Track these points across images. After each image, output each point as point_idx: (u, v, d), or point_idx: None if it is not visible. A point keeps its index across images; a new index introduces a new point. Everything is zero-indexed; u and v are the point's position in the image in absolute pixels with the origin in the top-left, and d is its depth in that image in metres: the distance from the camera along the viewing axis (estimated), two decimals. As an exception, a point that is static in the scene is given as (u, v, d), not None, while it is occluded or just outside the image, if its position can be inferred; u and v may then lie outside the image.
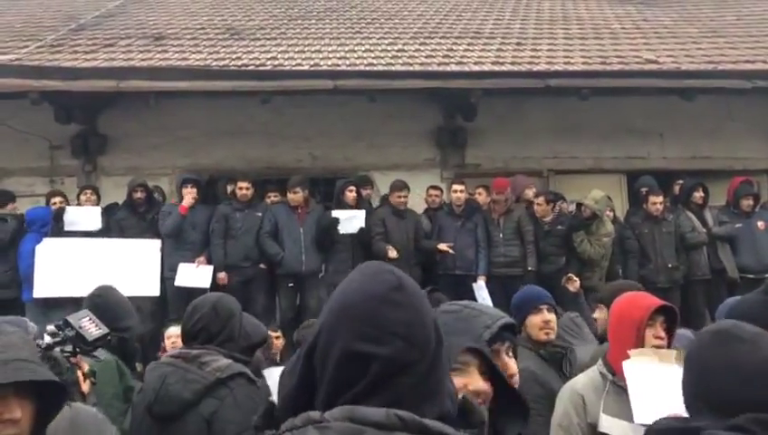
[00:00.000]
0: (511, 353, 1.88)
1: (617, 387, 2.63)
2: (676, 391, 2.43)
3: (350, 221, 7.03)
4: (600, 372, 2.74)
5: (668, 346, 2.65)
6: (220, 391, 2.65)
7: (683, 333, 4.31)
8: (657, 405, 2.44)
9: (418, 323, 1.20)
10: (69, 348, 2.53)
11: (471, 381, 1.61)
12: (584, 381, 2.76)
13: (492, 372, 1.63)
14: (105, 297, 3.43)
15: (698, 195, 7.89)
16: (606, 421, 2.58)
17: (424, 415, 1.15)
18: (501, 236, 7.35)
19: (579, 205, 7.49)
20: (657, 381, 2.48)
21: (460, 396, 1.40)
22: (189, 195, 7.00)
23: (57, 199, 7.31)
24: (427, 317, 1.23)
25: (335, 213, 7.06)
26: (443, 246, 7.10)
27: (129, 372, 3.42)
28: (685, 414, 2.38)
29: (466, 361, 1.63)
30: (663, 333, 2.64)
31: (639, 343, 2.61)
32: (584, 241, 7.17)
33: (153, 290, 6.86)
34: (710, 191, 8.04)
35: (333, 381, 1.17)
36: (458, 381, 1.57)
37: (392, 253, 6.93)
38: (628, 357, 2.58)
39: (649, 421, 2.26)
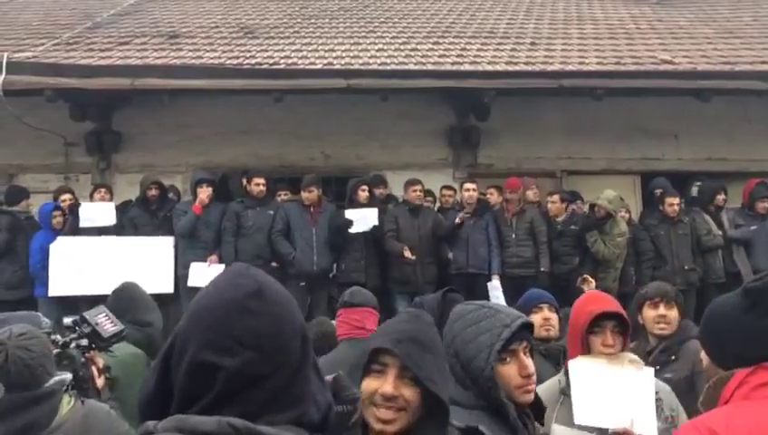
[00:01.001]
0: (528, 353, 1.89)
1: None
2: (622, 393, 2.43)
3: (363, 220, 7.02)
4: (559, 380, 2.69)
5: (622, 351, 2.56)
6: None
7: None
8: (598, 407, 2.41)
9: (273, 334, 1.12)
10: (85, 343, 2.54)
11: (382, 385, 1.54)
12: (543, 389, 2.61)
13: (416, 377, 1.52)
14: (129, 292, 3.45)
15: (721, 197, 7.83)
16: (557, 431, 2.47)
17: (273, 422, 1.09)
18: (513, 236, 7.32)
19: (592, 205, 7.45)
20: (601, 382, 2.44)
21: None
22: (203, 193, 7.00)
23: (66, 196, 7.35)
24: (287, 327, 1.15)
25: (347, 213, 7.05)
26: (407, 253, 6.92)
27: None
28: (626, 419, 2.41)
29: (385, 362, 1.56)
30: (612, 340, 2.53)
31: (586, 349, 2.54)
32: (598, 241, 7.12)
33: (167, 287, 6.89)
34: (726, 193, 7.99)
35: (183, 391, 1.11)
36: (371, 383, 1.54)
37: (407, 253, 6.91)
38: None
39: (590, 423, 2.25)
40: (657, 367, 3.40)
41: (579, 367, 2.18)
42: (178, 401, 1.11)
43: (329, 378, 1.81)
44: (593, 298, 2.66)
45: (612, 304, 2.60)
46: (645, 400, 2.47)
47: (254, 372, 1.10)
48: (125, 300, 3.29)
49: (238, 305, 1.12)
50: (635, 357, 2.61)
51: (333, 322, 4.38)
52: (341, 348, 3.56)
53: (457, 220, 7.08)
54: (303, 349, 1.17)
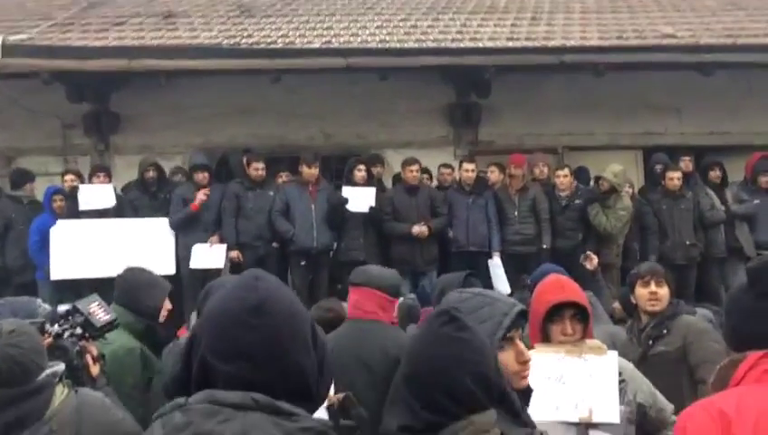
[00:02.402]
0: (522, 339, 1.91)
1: None
2: (580, 383, 2.42)
3: (360, 199, 7.00)
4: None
5: (583, 338, 2.54)
6: None
7: (701, 311, 4.28)
8: (555, 400, 2.41)
9: (268, 347, 1.25)
10: (79, 332, 2.53)
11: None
12: None
13: None
14: (128, 279, 3.34)
15: (714, 174, 7.79)
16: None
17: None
18: (516, 213, 7.29)
19: (597, 178, 7.41)
20: (559, 374, 2.44)
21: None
22: (202, 192, 6.98)
23: (69, 178, 7.34)
24: (285, 340, 1.28)
25: (344, 191, 7.03)
26: (416, 229, 6.94)
27: (157, 359, 3.29)
28: (576, 413, 2.41)
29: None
30: (571, 329, 2.52)
31: (546, 337, 2.52)
32: (599, 213, 7.09)
33: (169, 268, 6.88)
34: (729, 168, 7.93)
35: (197, 377, 1.28)
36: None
37: (416, 229, 6.89)
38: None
39: (548, 419, 2.24)
40: (651, 341, 3.57)
41: (536, 361, 2.15)
42: (196, 387, 1.27)
43: (340, 396, 1.85)
44: (552, 286, 2.62)
45: (571, 293, 2.56)
46: (607, 385, 2.47)
47: (248, 378, 1.24)
48: (124, 289, 3.25)
49: (238, 319, 1.27)
50: (596, 343, 2.58)
51: (329, 305, 4.40)
52: (340, 329, 3.55)
53: (414, 230, 6.99)
54: (310, 356, 1.30)
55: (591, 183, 7.72)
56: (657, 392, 2.69)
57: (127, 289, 3.29)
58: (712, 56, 7.73)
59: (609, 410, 2.45)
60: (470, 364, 1.51)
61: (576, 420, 2.43)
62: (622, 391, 2.51)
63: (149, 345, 3.26)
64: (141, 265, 3.56)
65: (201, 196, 6.97)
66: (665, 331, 3.55)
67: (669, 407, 2.69)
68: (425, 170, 7.63)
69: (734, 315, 1.84)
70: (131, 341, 3.10)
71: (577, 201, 7.30)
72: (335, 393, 2.12)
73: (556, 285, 2.62)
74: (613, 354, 2.57)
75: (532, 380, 2.03)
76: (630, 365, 2.71)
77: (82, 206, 7.04)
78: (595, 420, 2.44)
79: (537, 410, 2.07)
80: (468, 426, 1.48)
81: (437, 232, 7.12)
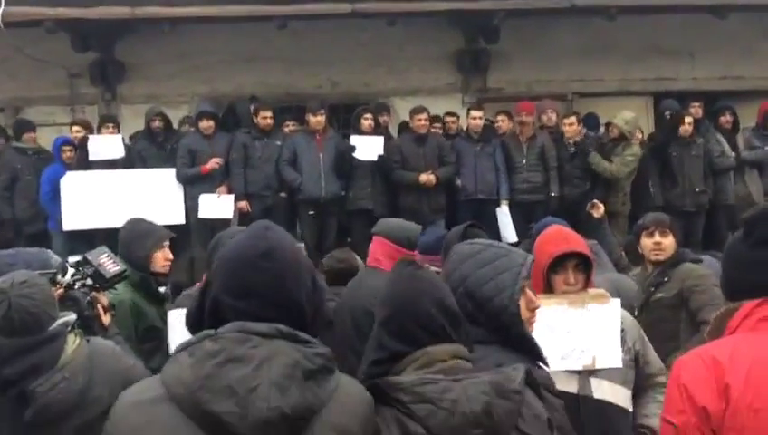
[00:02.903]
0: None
1: None
2: (581, 334, 2.46)
3: (368, 147, 6.98)
4: None
5: (585, 288, 2.57)
6: None
7: (707, 258, 4.31)
8: (557, 352, 2.44)
9: (276, 287, 1.43)
10: (89, 282, 2.59)
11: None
12: None
13: None
14: (125, 232, 3.37)
15: (725, 119, 7.68)
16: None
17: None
18: (524, 162, 7.24)
19: (607, 125, 7.35)
20: (561, 325, 2.46)
21: None
22: (214, 161, 6.93)
23: (77, 128, 7.35)
24: (290, 283, 1.45)
25: (352, 139, 7.01)
26: (424, 177, 6.93)
27: (155, 310, 3.28)
28: (579, 361, 2.47)
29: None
30: (573, 279, 2.54)
31: (549, 288, 2.55)
32: (601, 161, 7.02)
33: (178, 218, 6.95)
34: (741, 113, 7.82)
35: (210, 317, 1.45)
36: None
37: (423, 177, 6.89)
38: None
39: (553, 368, 2.28)
40: (653, 288, 3.67)
41: (540, 312, 2.18)
42: (209, 323, 1.43)
43: None
44: (555, 237, 2.63)
45: (574, 243, 2.58)
46: (610, 332, 2.52)
47: (257, 314, 1.40)
48: (121, 240, 3.27)
49: (249, 262, 1.44)
50: (599, 291, 2.60)
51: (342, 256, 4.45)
52: (357, 276, 3.65)
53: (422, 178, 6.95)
54: (309, 299, 1.47)
55: (602, 130, 7.64)
56: (650, 345, 2.74)
57: (122, 240, 3.31)
58: (726, -2, 7.57)
59: (612, 356, 2.50)
60: (432, 295, 1.66)
61: (580, 368, 2.48)
62: (622, 339, 2.55)
63: (146, 296, 3.27)
64: (144, 216, 3.56)
65: (214, 163, 6.94)
66: (666, 278, 3.65)
67: (657, 364, 2.73)
68: (436, 119, 7.57)
69: (730, 265, 1.86)
70: (126, 292, 3.10)
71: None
72: None
73: (559, 236, 2.64)
74: (616, 302, 2.60)
75: (537, 331, 2.08)
76: (628, 315, 2.75)
77: (92, 156, 7.05)
78: (598, 366, 2.49)
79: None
80: (423, 356, 1.59)
81: (445, 181, 7.11)
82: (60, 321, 2.11)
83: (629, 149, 7.08)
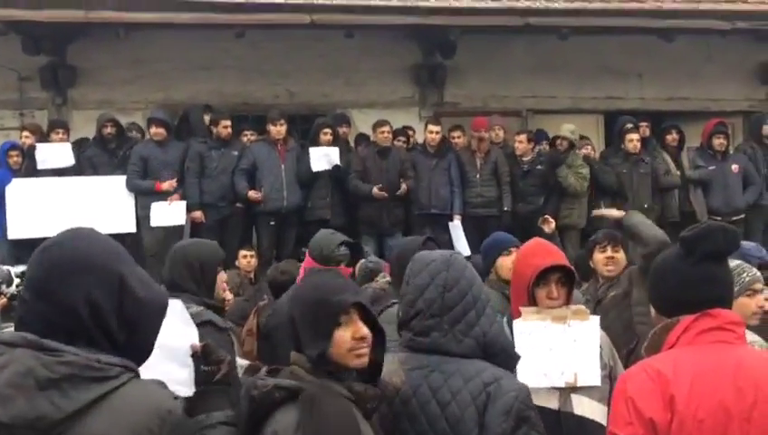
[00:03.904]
0: None
1: None
2: (563, 351, 2.51)
3: (325, 158, 6.99)
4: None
5: (567, 302, 2.61)
6: None
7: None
8: (540, 368, 2.48)
9: (44, 283, 1.41)
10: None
11: (357, 330, 1.75)
12: None
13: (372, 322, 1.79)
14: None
15: (671, 137, 7.94)
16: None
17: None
18: (478, 176, 7.36)
19: (554, 138, 7.60)
20: (544, 342, 2.50)
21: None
22: (169, 184, 6.83)
23: (25, 134, 7.15)
24: (55, 282, 1.40)
25: (310, 151, 7.01)
26: (376, 192, 6.96)
27: None
28: (562, 378, 2.50)
29: (350, 313, 1.76)
30: (557, 292, 2.58)
31: (532, 301, 2.58)
32: (569, 175, 7.25)
33: (129, 226, 6.83)
34: (687, 133, 8.08)
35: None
36: (345, 332, 1.74)
37: (375, 191, 6.94)
38: (520, 315, 2.58)
39: (536, 385, 2.32)
40: (604, 296, 3.75)
41: (524, 328, 2.20)
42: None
43: (197, 344, 1.97)
44: (538, 250, 2.67)
45: (558, 257, 2.64)
46: (590, 350, 2.56)
47: (32, 309, 1.40)
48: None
49: (35, 254, 1.46)
50: (580, 308, 2.66)
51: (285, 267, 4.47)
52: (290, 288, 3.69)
53: (374, 192, 7.02)
54: (91, 300, 1.39)
55: (546, 146, 7.81)
56: (619, 360, 2.80)
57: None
58: (673, 22, 7.84)
59: (592, 374, 2.54)
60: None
61: (563, 385, 2.51)
62: (600, 356, 2.59)
63: None
64: (94, 225, 3.42)
65: (169, 186, 6.84)
66: (616, 282, 3.77)
67: None
68: (399, 132, 7.63)
69: (669, 282, 1.90)
70: None
71: (539, 167, 7.40)
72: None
73: (543, 249, 2.67)
74: (595, 319, 2.64)
75: (520, 346, 2.11)
76: (605, 335, 2.79)
77: (40, 165, 6.88)
78: (580, 383, 2.52)
79: (526, 378, 2.14)
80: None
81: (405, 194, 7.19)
82: (3, 331, 2.06)
83: (578, 159, 7.35)
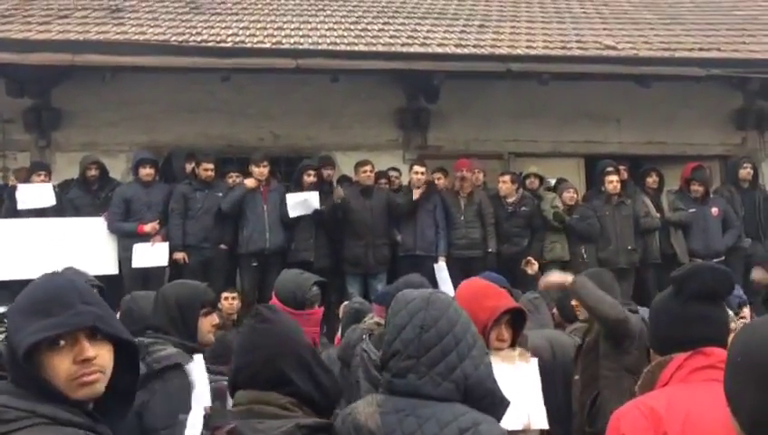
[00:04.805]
0: None
1: None
2: (518, 391, 2.48)
3: (304, 203, 7.02)
4: None
5: (514, 343, 2.60)
6: (153, 384, 2.59)
7: (642, 310, 4.44)
8: None
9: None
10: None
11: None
12: None
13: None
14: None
15: (651, 180, 8.08)
16: None
17: None
18: (462, 218, 7.41)
19: (524, 178, 7.83)
20: (500, 384, 2.51)
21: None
22: (151, 226, 6.84)
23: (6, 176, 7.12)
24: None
25: (288, 197, 7.04)
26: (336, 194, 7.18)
27: None
28: (519, 421, 2.48)
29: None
30: (507, 334, 2.57)
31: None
32: (548, 208, 7.40)
33: (110, 268, 6.76)
34: (665, 176, 8.23)
35: None
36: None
37: (339, 192, 7.12)
38: None
39: None
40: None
41: None
42: None
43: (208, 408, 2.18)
44: (490, 292, 2.62)
45: (509, 298, 2.64)
46: (535, 392, 2.57)
47: None
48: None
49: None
50: (522, 350, 2.65)
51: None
52: None
53: (415, 197, 7.14)
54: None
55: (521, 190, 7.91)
56: None
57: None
58: (650, 69, 8.05)
59: (541, 416, 2.55)
60: (264, 349, 1.83)
61: (520, 427, 2.50)
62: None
63: None
64: (76, 266, 3.37)
65: (151, 228, 6.84)
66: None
67: None
68: (382, 174, 7.69)
69: (661, 320, 1.95)
70: None
71: (523, 208, 7.48)
72: None
73: (494, 291, 2.66)
74: (534, 361, 2.64)
75: None
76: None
77: (21, 205, 6.83)
78: (533, 426, 2.52)
79: None
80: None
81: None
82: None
83: (548, 195, 7.59)
